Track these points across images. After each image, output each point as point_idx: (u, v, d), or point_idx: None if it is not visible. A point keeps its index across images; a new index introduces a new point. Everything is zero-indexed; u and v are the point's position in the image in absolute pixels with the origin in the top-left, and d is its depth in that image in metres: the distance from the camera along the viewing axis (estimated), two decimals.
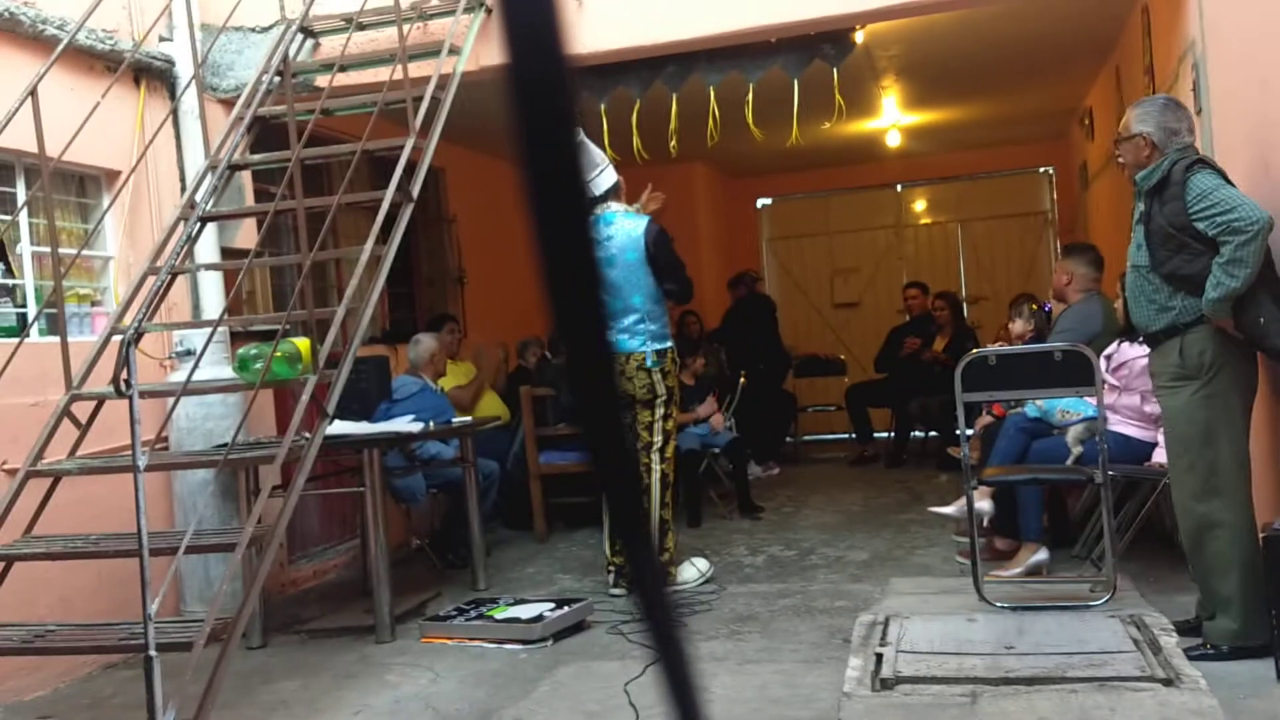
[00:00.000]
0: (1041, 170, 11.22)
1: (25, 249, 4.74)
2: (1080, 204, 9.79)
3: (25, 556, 3.94)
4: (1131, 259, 3.99)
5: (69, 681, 4.55)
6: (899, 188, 11.66)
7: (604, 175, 5.22)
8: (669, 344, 5.26)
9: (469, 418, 6.16)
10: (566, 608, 4.74)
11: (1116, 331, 5.17)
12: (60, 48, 4.35)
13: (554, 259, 0.46)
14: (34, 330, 4.39)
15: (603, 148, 5.50)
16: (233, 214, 5.11)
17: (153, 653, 3.37)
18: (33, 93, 4.06)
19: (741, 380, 8.45)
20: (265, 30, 5.55)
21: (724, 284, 10.35)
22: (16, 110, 4.03)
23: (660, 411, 5.21)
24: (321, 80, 5.26)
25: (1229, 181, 3.72)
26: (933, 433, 9.19)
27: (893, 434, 9.43)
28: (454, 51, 5.08)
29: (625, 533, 0.48)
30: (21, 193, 4.71)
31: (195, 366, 3.98)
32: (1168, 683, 3.47)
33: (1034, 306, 6.37)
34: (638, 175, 5.90)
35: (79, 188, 5.15)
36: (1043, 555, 5.09)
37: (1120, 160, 4.05)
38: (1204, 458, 3.79)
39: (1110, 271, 5.75)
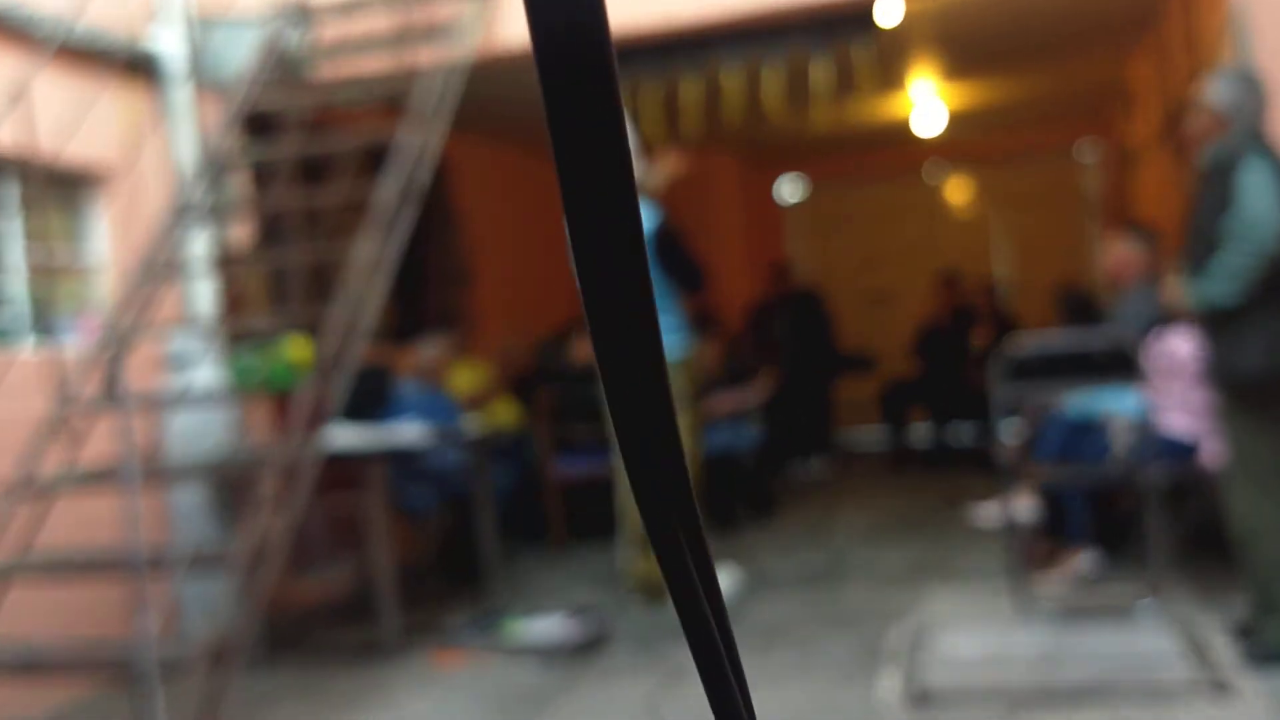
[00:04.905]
0: (1079, 152, 10.89)
1: (14, 251, 4.58)
2: (1122, 185, 9.50)
3: (17, 571, 3.81)
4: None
5: (66, 702, 4.40)
6: (931, 173, 11.36)
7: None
8: (682, 339, 4.98)
9: (478, 426, 5.93)
10: (583, 620, 4.59)
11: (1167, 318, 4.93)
12: (53, 46, 4.20)
13: (599, 251, 0.41)
14: (25, 337, 4.24)
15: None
16: (227, 212, 4.93)
17: (147, 672, 3.24)
18: (22, 93, 3.92)
19: (773, 379, 8.17)
20: (258, 21, 5.35)
21: (749, 275, 10.09)
22: (4, 110, 3.88)
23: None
24: (318, 70, 5.07)
25: None
26: (972, 430, 8.91)
27: (931, 431, 9.16)
28: (458, 35, 4.87)
29: (675, 531, 0.45)
30: (10, 193, 4.56)
31: (188, 373, 3.79)
32: (1219, 690, 3.43)
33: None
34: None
35: (69, 186, 4.98)
36: (1089, 559, 4.88)
37: (1187, 131, 3.85)
38: (1255, 457, 3.64)
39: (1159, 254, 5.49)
